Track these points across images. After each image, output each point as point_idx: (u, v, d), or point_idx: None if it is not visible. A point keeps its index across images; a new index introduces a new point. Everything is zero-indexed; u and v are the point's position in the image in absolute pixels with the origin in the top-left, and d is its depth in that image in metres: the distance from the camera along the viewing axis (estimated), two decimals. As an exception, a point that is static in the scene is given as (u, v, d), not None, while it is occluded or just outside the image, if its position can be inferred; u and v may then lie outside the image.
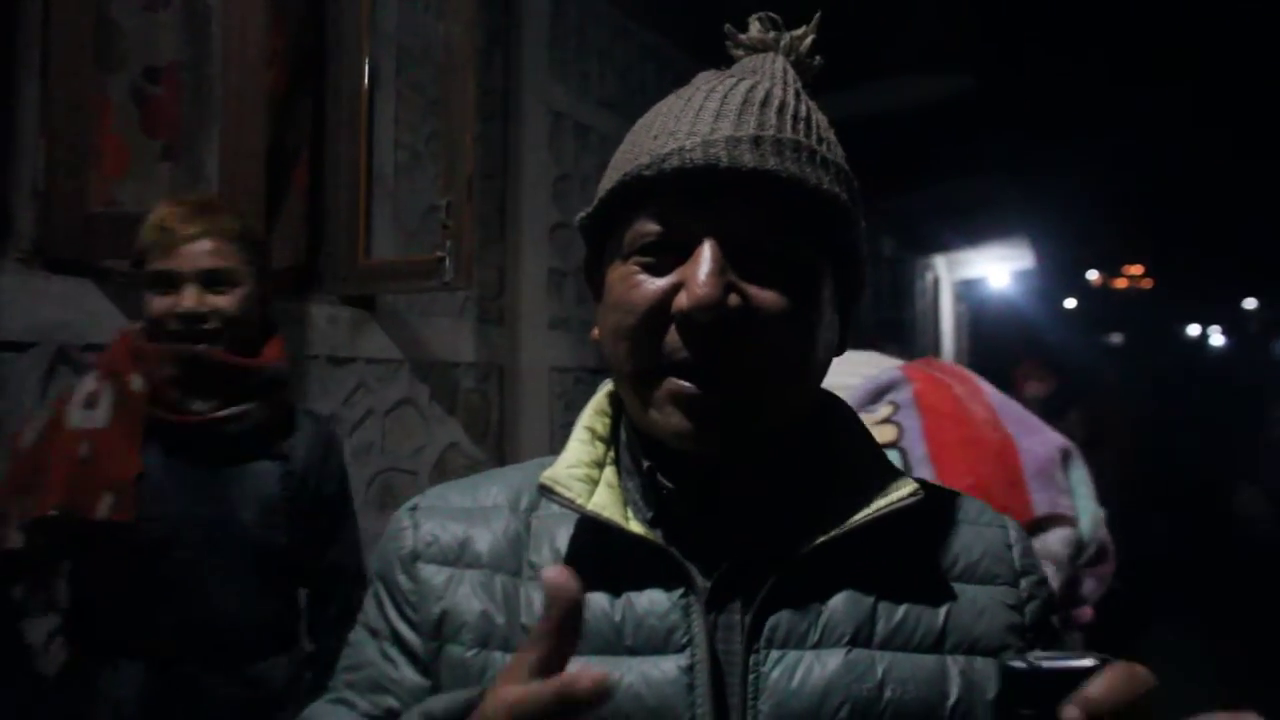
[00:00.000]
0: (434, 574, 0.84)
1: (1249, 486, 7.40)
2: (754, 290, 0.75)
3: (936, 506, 0.87)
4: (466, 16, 2.76)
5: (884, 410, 1.60)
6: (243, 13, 2.18)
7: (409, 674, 0.83)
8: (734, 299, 0.74)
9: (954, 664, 0.79)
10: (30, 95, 2.23)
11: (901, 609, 0.80)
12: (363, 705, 0.83)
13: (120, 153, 2.62)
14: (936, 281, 14.48)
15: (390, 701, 0.83)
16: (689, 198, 0.76)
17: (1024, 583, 0.86)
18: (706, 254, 0.74)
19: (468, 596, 0.82)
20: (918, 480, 0.83)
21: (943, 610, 0.81)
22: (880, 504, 0.79)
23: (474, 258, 2.88)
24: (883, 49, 6.46)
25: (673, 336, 0.75)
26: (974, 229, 12.15)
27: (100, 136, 2.34)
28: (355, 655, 0.87)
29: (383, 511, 3.14)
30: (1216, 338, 32.85)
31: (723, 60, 0.93)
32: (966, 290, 16.58)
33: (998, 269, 15.56)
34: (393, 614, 0.85)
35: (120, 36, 2.51)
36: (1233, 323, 32.68)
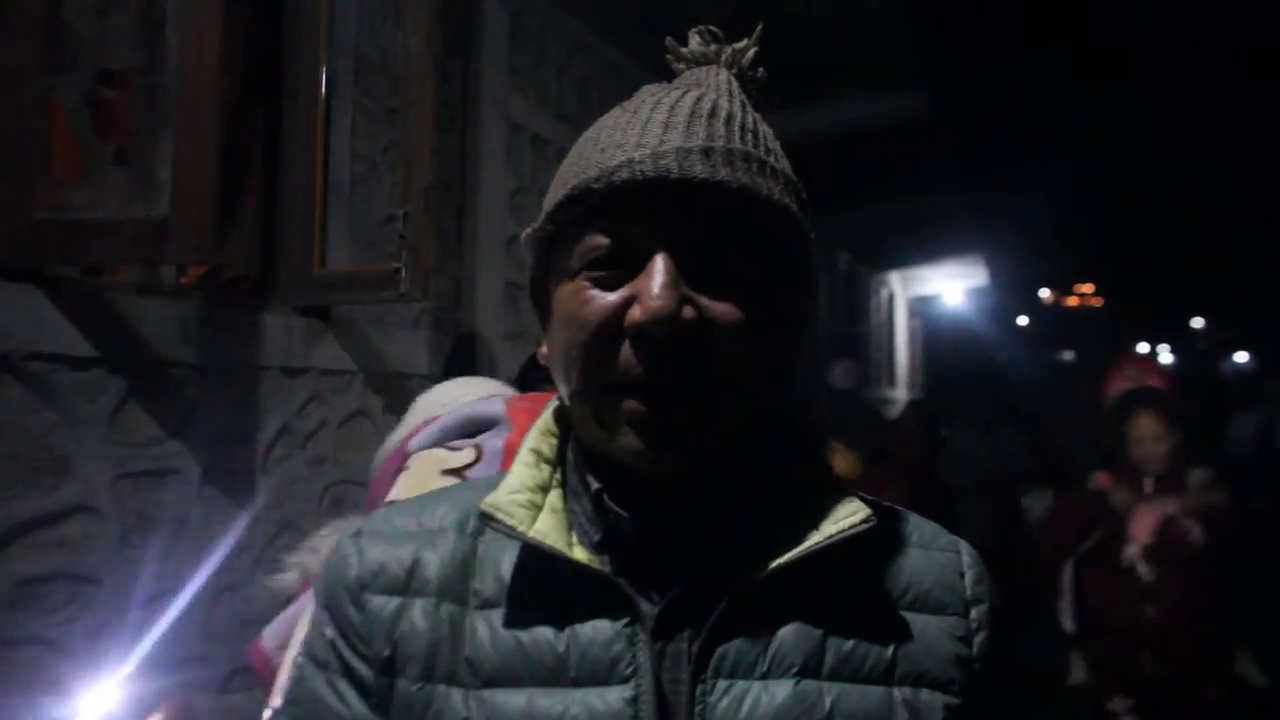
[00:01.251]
0: (382, 605, 0.82)
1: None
2: (708, 302, 0.74)
3: (890, 531, 0.87)
4: (425, 26, 2.75)
5: (463, 456, 1.39)
6: (198, 18, 2.15)
7: (359, 710, 0.81)
8: (688, 311, 0.73)
9: (900, 695, 0.78)
10: (-23, 97, 2.19)
11: (851, 639, 0.79)
12: None
13: (72, 157, 2.57)
14: (891, 297, 14.60)
15: None
16: (639, 210, 0.75)
17: (974, 612, 0.85)
18: (659, 266, 0.73)
19: (415, 626, 0.80)
20: (870, 504, 0.83)
21: (892, 640, 0.80)
22: (832, 530, 0.78)
23: (430, 269, 2.86)
24: (838, 68, 6.51)
25: (626, 353, 0.74)
26: (929, 245, 12.29)
27: (50, 140, 2.29)
28: (300, 690, 0.84)
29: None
30: (1165, 355, 33.43)
31: (669, 54, 0.93)
32: (921, 306, 16.75)
33: (951, 286, 15.75)
34: (342, 647, 0.82)
35: (73, 39, 2.48)
36: (1181, 341, 33.29)
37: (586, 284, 0.77)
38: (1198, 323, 33.58)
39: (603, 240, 0.76)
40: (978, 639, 0.83)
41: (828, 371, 8.15)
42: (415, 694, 0.78)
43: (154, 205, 2.39)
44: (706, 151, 0.75)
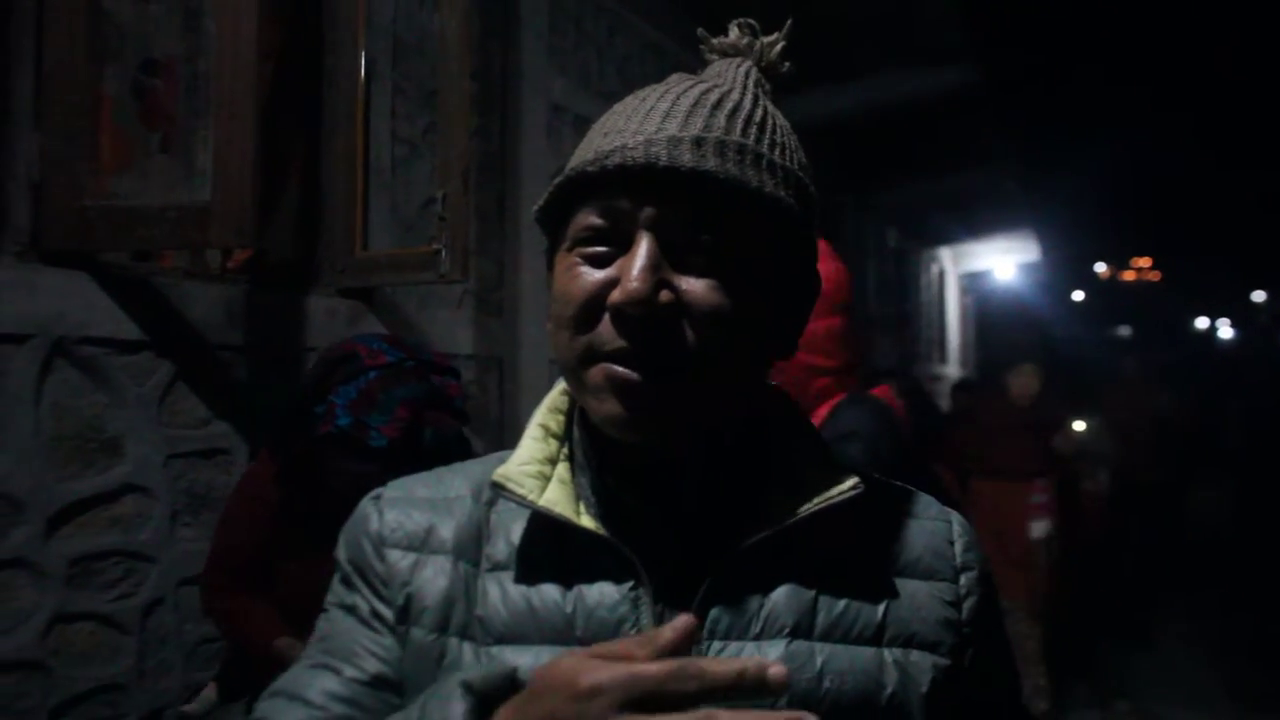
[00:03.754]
0: (399, 558, 0.86)
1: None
2: (686, 285, 0.77)
3: (881, 500, 0.90)
4: (462, 9, 2.76)
5: None
6: (235, 7, 2.19)
7: (394, 643, 0.85)
8: (665, 295, 0.76)
9: (890, 656, 0.81)
10: (25, 88, 2.24)
11: (842, 602, 0.82)
12: (349, 671, 0.84)
13: (119, 145, 2.63)
14: (942, 273, 14.46)
15: (377, 666, 0.84)
16: (629, 194, 0.78)
17: (963, 579, 0.88)
18: (642, 249, 0.76)
19: (430, 580, 0.85)
20: (861, 474, 0.85)
21: (882, 604, 0.83)
22: (822, 498, 0.82)
23: (470, 250, 2.88)
24: (887, 42, 6.46)
25: (607, 326, 0.77)
26: (979, 221, 12.15)
27: (97, 129, 2.34)
28: (329, 627, 0.88)
29: (381, 503, 3.15)
30: (1225, 330, 32.77)
31: (702, 44, 0.95)
32: (972, 283, 16.56)
33: (1003, 261, 15.55)
34: (368, 594, 0.87)
35: (116, 29, 2.52)
36: (1241, 315, 32.58)
37: (578, 260, 0.80)
38: (1258, 296, 32.86)
39: (595, 220, 0.79)
40: (967, 604, 0.87)
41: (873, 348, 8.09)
42: (430, 643, 0.83)
43: (197, 192, 2.44)
44: (698, 141, 0.77)
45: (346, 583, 0.89)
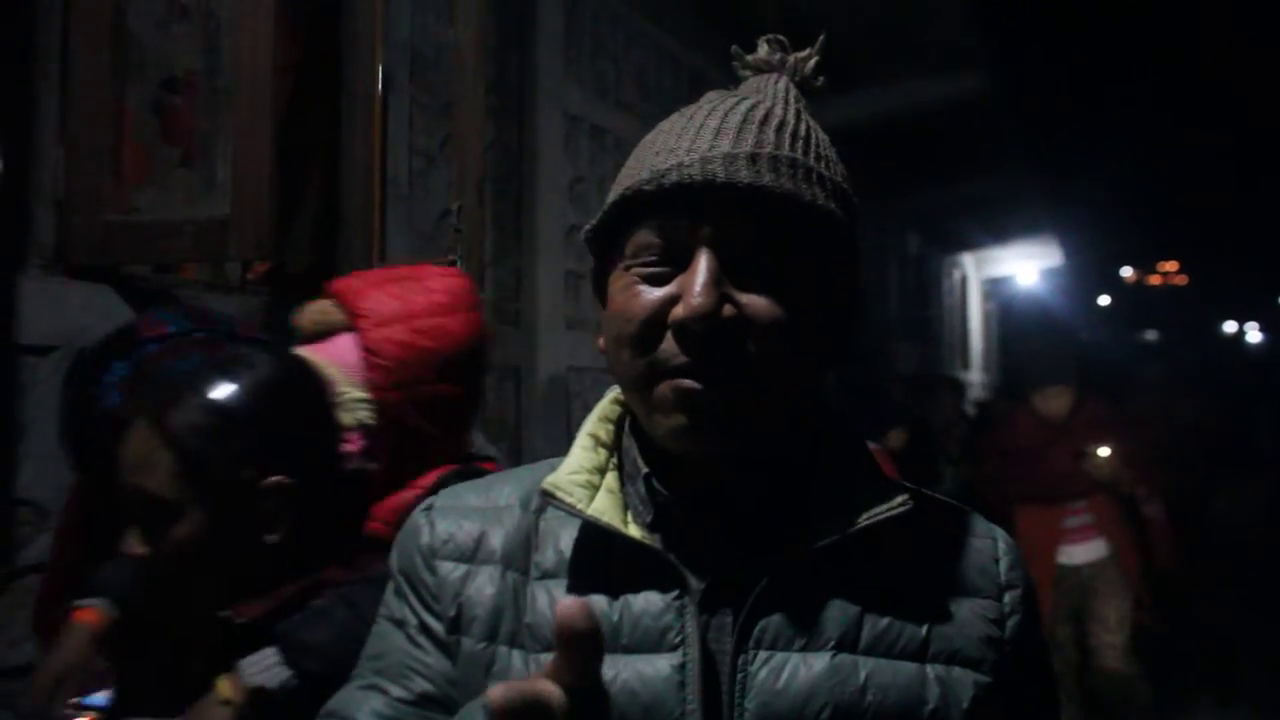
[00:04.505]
0: (450, 570, 0.88)
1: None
2: (747, 300, 0.79)
3: (929, 516, 0.90)
4: (477, 22, 2.81)
5: None
6: (253, 24, 2.23)
7: (440, 660, 0.86)
8: (728, 309, 0.78)
9: (933, 672, 0.82)
10: (50, 105, 2.29)
11: (887, 617, 0.82)
12: (395, 691, 0.86)
13: (140, 161, 2.68)
14: (964, 279, 14.41)
15: (423, 685, 0.86)
16: (687, 211, 0.80)
17: (1007, 597, 0.88)
18: (703, 265, 0.78)
19: (480, 590, 0.86)
20: (910, 490, 0.87)
21: (927, 620, 0.84)
22: (872, 513, 0.83)
23: (485, 261, 2.92)
24: (905, 48, 6.46)
25: (670, 344, 0.79)
26: (1000, 226, 12.10)
27: (120, 145, 2.39)
28: (381, 644, 0.90)
29: (399, 510, 3.18)
30: (1253, 334, 32.44)
31: (736, 61, 0.98)
32: (994, 288, 16.49)
33: (1025, 267, 15.47)
34: (417, 606, 0.89)
35: (138, 48, 2.58)
36: (1270, 319, 32.23)
37: (635, 279, 0.82)
38: (1287, 300, 32.52)
39: (653, 238, 0.81)
40: (1010, 622, 0.87)
41: (893, 355, 8.07)
42: (480, 652, 0.84)
43: (216, 205, 2.48)
44: (753, 158, 0.79)
45: (398, 593, 0.91)
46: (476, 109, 2.82)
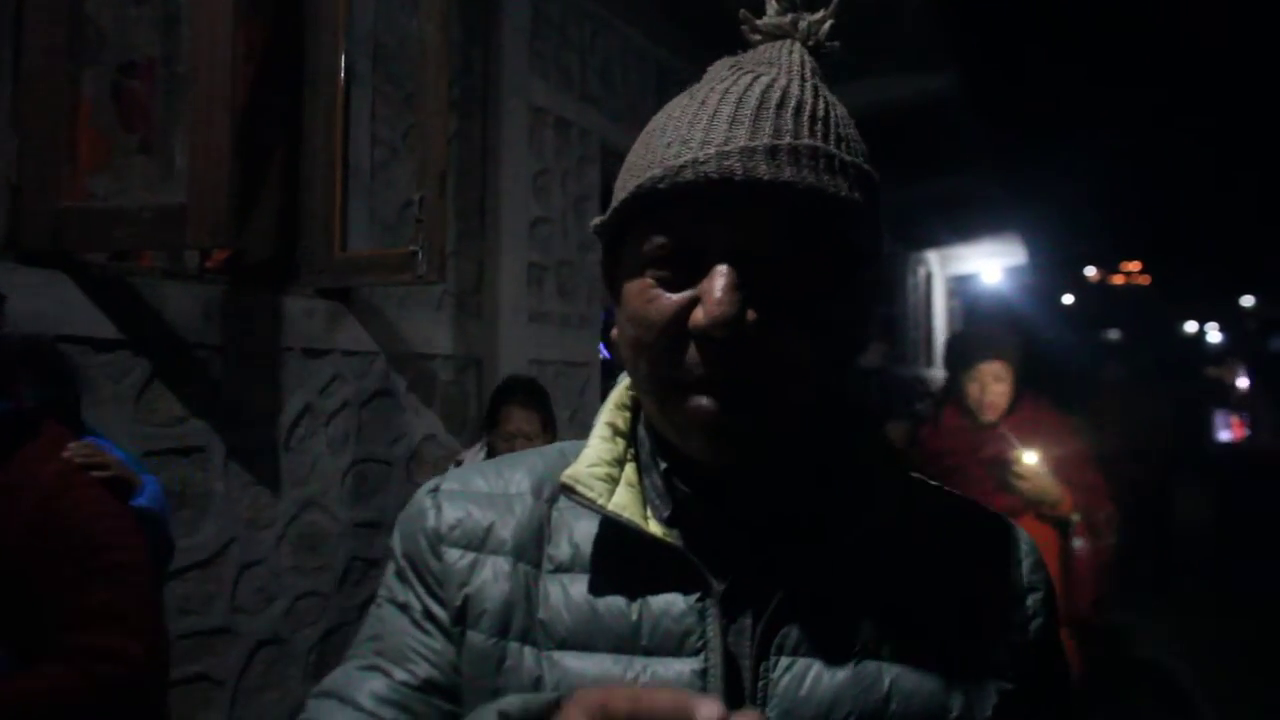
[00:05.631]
0: (457, 558, 0.83)
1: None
2: (770, 303, 0.74)
3: (953, 516, 0.88)
4: (440, 13, 2.80)
5: None
6: (212, 10, 2.21)
7: (446, 645, 0.82)
8: (751, 314, 0.73)
9: (957, 679, 0.79)
10: (3, 89, 2.27)
11: (910, 621, 0.79)
12: (399, 674, 0.81)
13: (97, 146, 2.65)
14: (929, 276, 14.51)
15: (428, 670, 0.82)
16: (704, 210, 0.74)
17: (1030, 599, 0.85)
18: (723, 269, 0.73)
19: (489, 582, 0.82)
20: (934, 489, 0.85)
21: (950, 624, 0.81)
22: (894, 511, 0.80)
23: (447, 251, 2.92)
24: (870, 45, 6.49)
25: (691, 353, 0.74)
26: (965, 224, 12.18)
27: (76, 130, 2.37)
28: (383, 626, 0.85)
29: (357, 503, 3.18)
30: (1214, 334, 32.90)
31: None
32: (959, 286, 16.61)
33: (990, 265, 15.60)
34: (422, 592, 0.84)
35: (96, 32, 2.55)
36: (1230, 319, 32.71)
37: (651, 282, 0.77)
38: (1247, 301, 33.00)
39: (667, 238, 0.76)
40: (1033, 625, 0.84)
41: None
42: (490, 648, 0.80)
43: (174, 192, 2.46)
44: (772, 151, 0.73)
45: (401, 577, 0.86)
46: (439, 100, 2.82)
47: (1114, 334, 28.53)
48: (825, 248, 0.76)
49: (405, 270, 2.85)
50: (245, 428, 2.76)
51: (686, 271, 0.75)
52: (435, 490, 0.89)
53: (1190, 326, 33.44)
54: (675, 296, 0.75)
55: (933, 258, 14.48)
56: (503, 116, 3.98)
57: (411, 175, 3.24)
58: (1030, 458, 3.07)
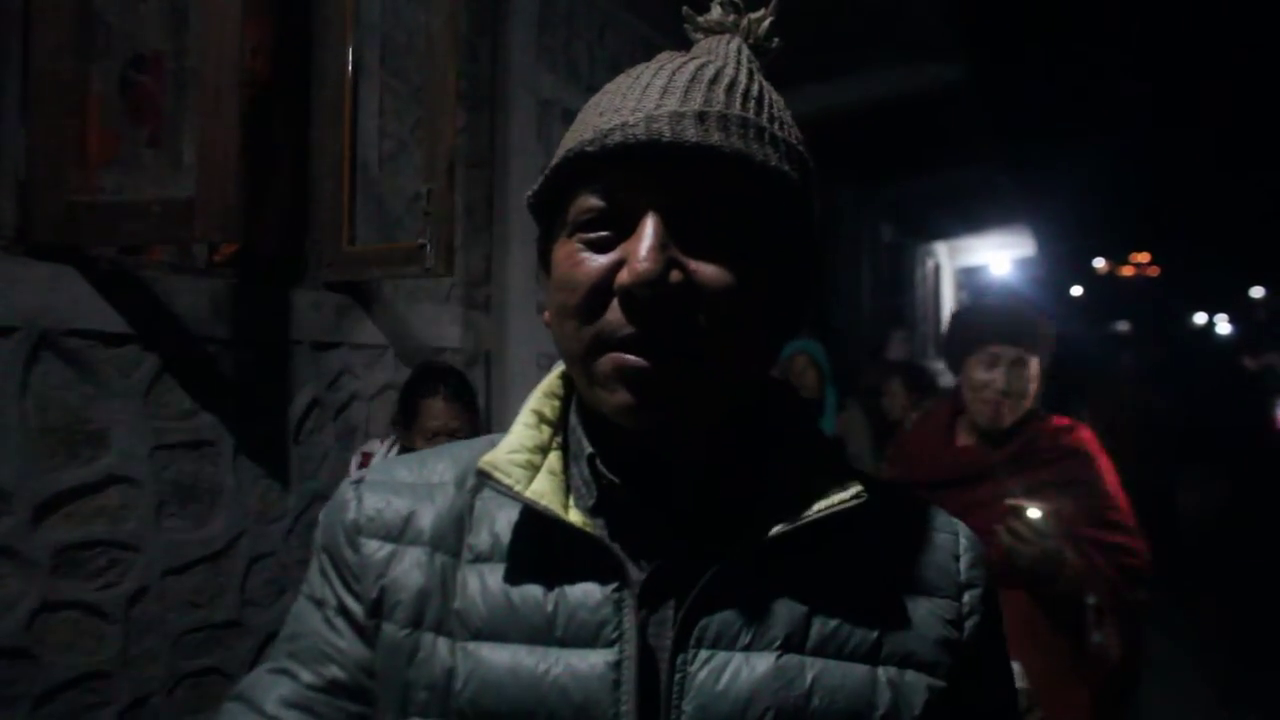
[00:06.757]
0: (375, 549, 0.83)
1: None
2: (696, 264, 0.74)
3: (886, 509, 0.86)
4: (448, 7, 2.80)
5: None
6: (219, 4, 2.21)
7: (355, 645, 0.82)
8: (675, 274, 0.73)
9: (884, 675, 0.77)
10: (13, 85, 2.27)
11: (837, 616, 0.78)
12: (305, 676, 0.82)
13: (106, 140, 2.65)
14: (937, 268, 14.48)
15: (335, 671, 0.82)
16: (632, 173, 0.75)
17: (967, 596, 0.84)
18: (649, 229, 0.73)
19: (406, 573, 0.81)
20: (867, 480, 0.82)
21: (879, 620, 0.79)
22: (824, 505, 0.78)
23: (455, 245, 2.92)
24: (878, 37, 6.47)
25: (615, 313, 0.74)
26: (974, 216, 12.17)
27: (85, 125, 2.37)
28: (298, 625, 0.85)
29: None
30: (1223, 326, 32.81)
31: (687, 24, 0.94)
32: (968, 277, 16.59)
33: (999, 256, 15.57)
34: (338, 585, 0.84)
35: (104, 26, 2.55)
36: (1240, 311, 32.62)
37: (579, 246, 0.77)
38: (1257, 292, 32.89)
39: (596, 202, 0.76)
40: (969, 623, 0.83)
41: (883, 342, 8.10)
42: (403, 639, 0.79)
43: (183, 187, 2.47)
44: (701, 116, 0.74)
45: (321, 571, 0.86)
46: (447, 93, 2.81)
47: (1123, 326, 28.46)
48: (754, 217, 0.76)
49: (413, 263, 2.85)
50: (255, 421, 2.77)
51: (614, 235, 0.76)
52: (358, 482, 0.88)
53: (1200, 318, 33.35)
54: (602, 259, 0.76)
55: (941, 249, 14.46)
56: (511, 110, 3.98)
57: (419, 168, 3.24)
58: (1034, 513, 2.19)
